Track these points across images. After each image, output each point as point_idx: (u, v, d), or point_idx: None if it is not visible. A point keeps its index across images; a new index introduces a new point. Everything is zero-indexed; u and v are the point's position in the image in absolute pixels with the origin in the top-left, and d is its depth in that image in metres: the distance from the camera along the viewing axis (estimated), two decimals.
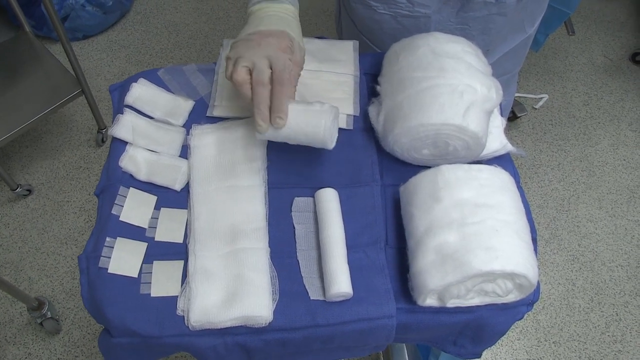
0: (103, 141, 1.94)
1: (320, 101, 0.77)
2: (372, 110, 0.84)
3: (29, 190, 1.82)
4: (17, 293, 1.41)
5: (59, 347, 1.57)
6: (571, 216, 1.86)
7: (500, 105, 1.30)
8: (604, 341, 1.63)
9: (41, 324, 1.53)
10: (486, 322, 0.73)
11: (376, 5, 0.97)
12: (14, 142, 1.94)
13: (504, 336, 1.63)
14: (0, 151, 1.91)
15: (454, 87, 0.74)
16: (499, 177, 0.73)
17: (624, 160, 1.99)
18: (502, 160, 0.83)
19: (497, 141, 0.81)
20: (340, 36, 1.23)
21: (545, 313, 1.67)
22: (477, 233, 0.67)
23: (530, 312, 1.68)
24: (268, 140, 0.83)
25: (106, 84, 2.08)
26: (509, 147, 0.82)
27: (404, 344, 1.25)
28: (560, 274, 1.74)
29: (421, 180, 0.75)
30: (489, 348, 1.17)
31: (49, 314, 1.53)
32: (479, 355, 0.81)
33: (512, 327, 1.65)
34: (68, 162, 1.91)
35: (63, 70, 1.76)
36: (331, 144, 0.78)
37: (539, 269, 0.73)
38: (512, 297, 0.71)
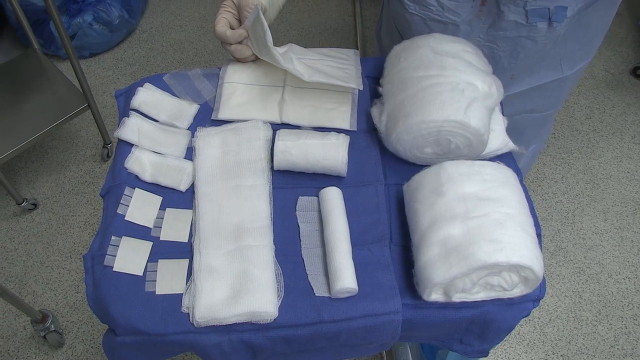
0: (108, 156, 1.96)
1: (334, 133, 0.83)
2: (374, 111, 0.85)
3: (35, 205, 1.84)
4: (21, 305, 1.41)
5: None
6: (576, 228, 1.85)
7: (530, 151, 1.29)
8: (614, 354, 1.60)
9: (44, 337, 1.52)
10: (492, 318, 0.73)
11: (408, 4, 0.96)
12: (20, 156, 1.96)
13: (511, 349, 1.62)
14: (6, 165, 1.93)
15: (454, 84, 0.75)
16: (502, 173, 0.74)
17: (628, 172, 1.98)
18: (504, 159, 0.83)
19: (499, 139, 0.81)
20: (379, 36, 1.22)
21: (552, 326, 1.65)
22: (482, 226, 0.67)
23: (537, 325, 1.66)
24: (272, 142, 0.84)
25: (112, 101, 2.11)
26: (511, 146, 0.82)
27: (408, 348, 1.23)
28: (566, 287, 1.73)
29: (424, 177, 0.75)
30: None
31: (52, 327, 1.52)
32: (486, 354, 0.80)
33: (519, 340, 1.63)
34: (73, 177, 1.93)
35: (70, 86, 1.79)
36: (345, 172, 0.82)
37: (544, 278, 0.72)
38: (517, 292, 0.70)
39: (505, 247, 0.65)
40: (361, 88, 0.89)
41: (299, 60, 0.88)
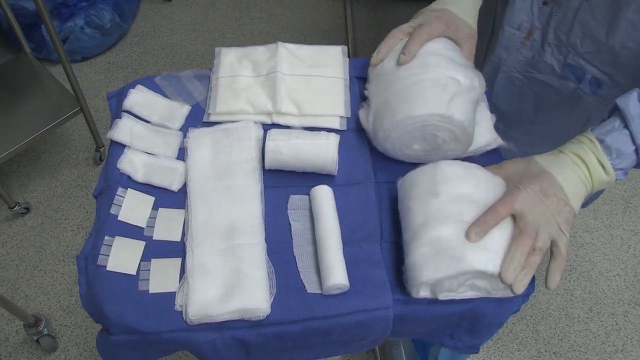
0: (101, 159, 1.95)
1: (325, 132, 0.83)
2: (362, 113, 0.86)
3: (27, 209, 1.83)
4: (14, 309, 1.41)
5: None
6: None
7: None
8: (605, 351, 1.62)
9: (37, 341, 1.52)
10: (482, 313, 0.73)
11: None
12: (12, 160, 1.95)
13: (504, 347, 1.63)
14: None
15: (437, 80, 0.77)
16: (497, 177, 0.74)
17: None
18: (492, 155, 0.84)
19: (487, 135, 0.82)
20: None
21: (544, 323, 1.67)
22: None
23: (529, 323, 1.68)
24: (264, 142, 0.85)
25: (104, 104, 2.11)
26: (500, 141, 0.83)
27: (401, 346, 1.24)
28: (558, 284, 1.74)
29: (419, 175, 0.76)
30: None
31: (45, 331, 1.52)
32: (477, 350, 0.81)
33: (512, 338, 1.65)
34: (66, 181, 1.92)
35: (62, 90, 1.79)
36: (336, 171, 0.83)
37: (536, 277, 0.73)
38: (501, 295, 0.71)
39: (495, 258, 0.66)
40: (349, 116, 0.90)
41: (286, 90, 0.91)
